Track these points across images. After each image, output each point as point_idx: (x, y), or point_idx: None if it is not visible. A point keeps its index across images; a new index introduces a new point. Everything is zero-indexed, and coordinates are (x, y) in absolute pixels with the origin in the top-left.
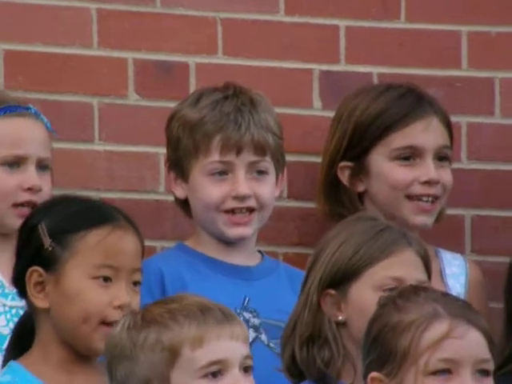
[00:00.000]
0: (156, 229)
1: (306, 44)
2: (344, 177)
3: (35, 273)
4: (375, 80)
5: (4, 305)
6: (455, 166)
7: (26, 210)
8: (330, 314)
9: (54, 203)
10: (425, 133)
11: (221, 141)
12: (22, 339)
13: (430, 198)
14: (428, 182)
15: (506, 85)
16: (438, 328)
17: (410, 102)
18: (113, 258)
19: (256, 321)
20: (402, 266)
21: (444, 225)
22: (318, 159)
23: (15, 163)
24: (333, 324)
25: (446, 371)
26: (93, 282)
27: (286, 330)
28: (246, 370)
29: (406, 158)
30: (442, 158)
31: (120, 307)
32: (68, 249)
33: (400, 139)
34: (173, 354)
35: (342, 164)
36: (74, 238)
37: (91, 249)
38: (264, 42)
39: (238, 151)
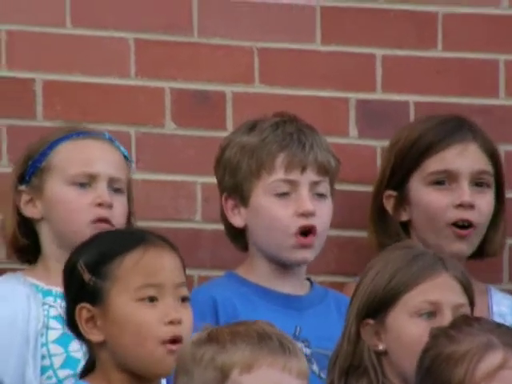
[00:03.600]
0: (193, 258)
1: (343, 73)
2: (389, 206)
3: (84, 309)
4: (412, 109)
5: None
6: None
7: (103, 226)
8: (370, 344)
9: (89, 240)
10: (460, 157)
11: (286, 158)
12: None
13: (466, 223)
14: (462, 206)
15: None
16: (493, 358)
17: (448, 127)
18: (153, 276)
19: (307, 351)
20: (438, 290)
21: None
22: (355, 187)
23: (86, 183)
24: (372, 353)
25: None
26: (139, 305)
27: (329, 363)
28: None
29: (441, 183)
30: (480, 183)
31: (172, 322)
32: (108, 279)
33: (435, 164)
34: (223, 375)
35: (387, 193)
36: (111, 267)
37: (130, 272)
38: (300, 71)
39: (303, 169)
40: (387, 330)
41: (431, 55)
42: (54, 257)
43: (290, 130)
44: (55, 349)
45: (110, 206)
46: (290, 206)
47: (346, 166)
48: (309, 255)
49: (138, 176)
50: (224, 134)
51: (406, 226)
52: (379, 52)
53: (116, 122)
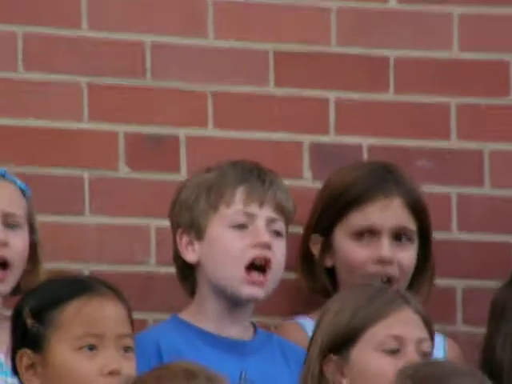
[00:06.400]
0: (147, 301)
1: (296, 116)
2: (315, 250)
3: (24, 356)
4: (365, 151)
5: (5, 381)
6: (445, 236)
7: None
8: (333, 380)
9: (38, 286)
10: (381, 212)
11: (245, 191)
12: None
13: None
14: (381, 261)
15: (495, 156)
16: None
17: (373, 179)
18: (93, 326)
19: None
20: (402, 325)
21: (435, 295)
22: None
23: None
24: None
25: None
26: (78, 354)
27: None
28: None
29: (363, 236)
30: (400, 238)
31: (111, 373)
32: (50, 326)
33: (358, 218)
34: None
35: (314, 237)
36: (54, 314)
37: (71, 321)
38: (254, 114)
39: (261, 204)
40: (351, 364)
41: (383, 98)
42: None
43: (250, 167)
44: None
45: (4, 244)
46: (246, 237)
47: (299, 208)
48: (259, 293)
49: (91, 220)
50: (178, 178)
51: (334, 272)
52: (332, 95)
53: (69, 165)
